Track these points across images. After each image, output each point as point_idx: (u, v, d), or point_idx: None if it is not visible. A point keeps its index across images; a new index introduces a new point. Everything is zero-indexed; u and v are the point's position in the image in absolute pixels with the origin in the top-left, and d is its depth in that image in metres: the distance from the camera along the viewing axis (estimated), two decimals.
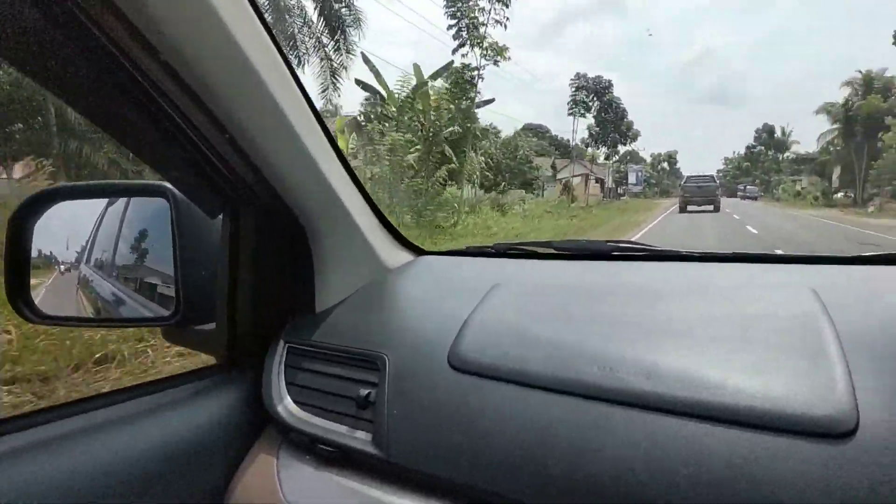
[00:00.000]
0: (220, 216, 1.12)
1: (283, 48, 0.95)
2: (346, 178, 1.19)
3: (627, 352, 0.88)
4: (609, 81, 53.22)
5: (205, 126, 0.90)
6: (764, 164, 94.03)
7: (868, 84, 40.49)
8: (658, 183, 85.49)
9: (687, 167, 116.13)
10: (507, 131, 43.00)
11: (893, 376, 0.76)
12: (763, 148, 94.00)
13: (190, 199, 1.09)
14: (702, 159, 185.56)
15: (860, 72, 42.10)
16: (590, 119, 51.71)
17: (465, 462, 0.87)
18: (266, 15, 1.09)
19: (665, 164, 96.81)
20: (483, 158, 27.49)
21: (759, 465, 0.71)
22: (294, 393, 1.12)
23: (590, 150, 50.13)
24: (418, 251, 1.53)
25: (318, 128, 1.06)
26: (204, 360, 1.28)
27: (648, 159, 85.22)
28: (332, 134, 1.12)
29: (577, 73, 52.39)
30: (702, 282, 1.17)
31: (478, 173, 26.68)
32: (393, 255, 1.41)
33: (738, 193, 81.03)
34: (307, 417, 1.08)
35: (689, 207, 29.99)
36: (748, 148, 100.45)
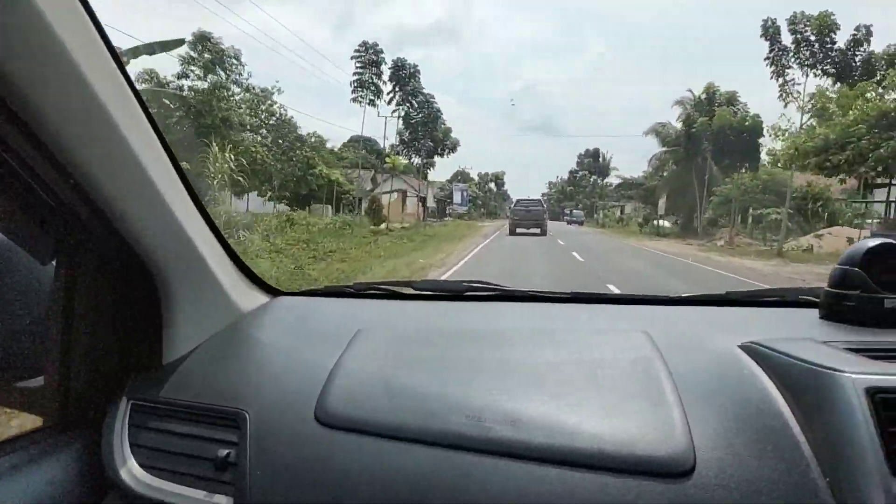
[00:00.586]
0: (54, 261, 1.02)
1: (124, 66, 0.87)
2: (195, 212, 1.11)
3: (491, 399, 0.92)
4: (415, 66, 43.45)
5: (32, 158, 0.82)
6: (585, 188, 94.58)
7: (710, 96, 36.24)
8: (485, 204, 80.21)
9: (514, 189, 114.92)
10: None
11: (722, 417, 0.86)
12: (587, 172, 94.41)
13: (14, 242, 1.00)
14: (528, 182, 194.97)
15: (691, 91, 38.17)
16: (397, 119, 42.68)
17: None
18: None
19: (493, 185, 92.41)
20: (234, 157, 22.45)
21: None
22: (140, 456, 1.04)
23: (402, 159, 40.83)
24: (274, 291, 1.48)
25: (165, 156, 1.00)
26: (31, 421, 1.13)
27: (476, 178, 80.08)
28: (177, 158, 1.04)
29: (364, 43, 40.42)
30: (549, 323, 1.29)
31: (226, 176, 21.73)
32: (246, 296, 1.34)
33: (565, 217, 78.86)
34: (157, 483, 1.00)
35: (518, 230, 31.05)
36: (571, 173, 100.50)
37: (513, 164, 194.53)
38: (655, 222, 43.86)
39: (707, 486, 0.77)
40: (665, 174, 44.08)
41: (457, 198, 60.18)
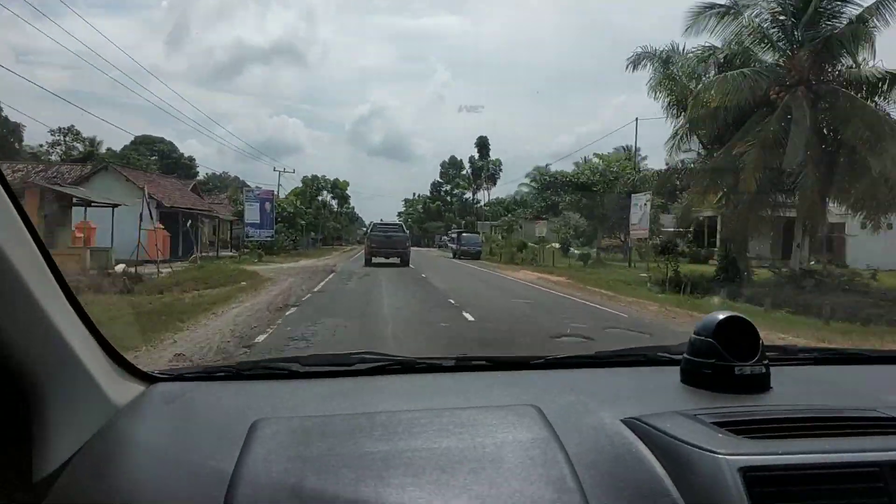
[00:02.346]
0: None
1: None
2: (60, 294, 1.03)
3: (404, 496, 0.91)
4: None
5: None
6: (453, 204, 75.83)
7: None
8: (314, 226, 55.44)
9: (366, 213, 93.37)
10: None
11: (618, 497, 0.91)
12: (459, 183, 76.06)
13: None
14: (381, 205, 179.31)
15: None
16: None
17: None
18: None
19: (328, 197, 65.60)
20: None
21: None
22: None
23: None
24: (148, 378, 1.36)
25: (28, 235, 0.93)
26: None
27: (301, 185, 53.59)
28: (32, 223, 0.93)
29: None
30: (442, 400, 1.31)
31: None
32: (120, 387, 1.21)
33: (444, 244, 55.96)
34: None
35: (376, 259, 26.91)
36: (435, 185, 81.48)
37: (364, 187, 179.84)
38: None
39: None
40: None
41: (252, 215, 34.48)
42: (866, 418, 1.13)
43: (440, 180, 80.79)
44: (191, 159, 60.76)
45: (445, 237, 62.87)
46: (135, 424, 1.15)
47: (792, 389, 1.37)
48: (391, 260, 26.81)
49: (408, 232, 31.58)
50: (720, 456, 0.94)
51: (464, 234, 45.18)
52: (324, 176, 53.20)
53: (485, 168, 70.40)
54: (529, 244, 38.05)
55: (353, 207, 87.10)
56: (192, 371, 1.49)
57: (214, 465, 0.98)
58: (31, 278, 0.90)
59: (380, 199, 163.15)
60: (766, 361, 1.33)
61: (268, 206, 35.12)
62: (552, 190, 37.57)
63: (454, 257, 41.54)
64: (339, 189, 63.74)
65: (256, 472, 0.96)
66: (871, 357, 1.81)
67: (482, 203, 74.28)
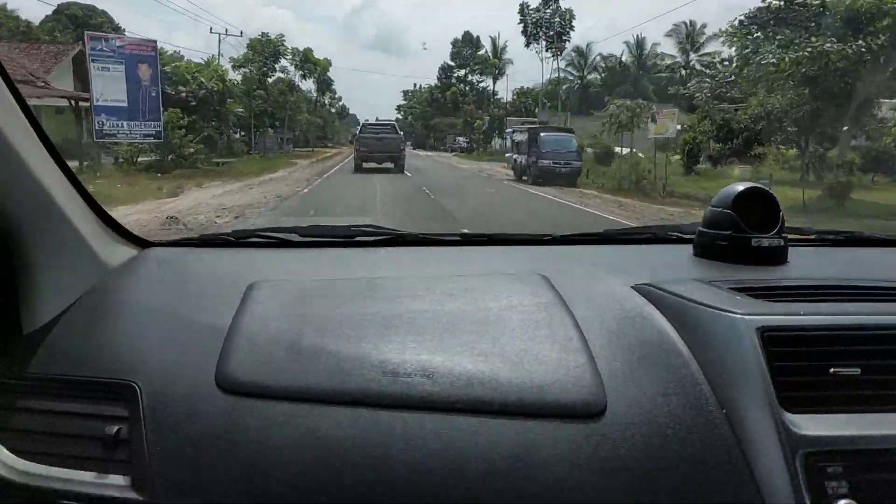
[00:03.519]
0: None
1: None
2: (47, 157, 1.03)
3: (407, 353, 0.91)
4: None
5: None
6: (470, 95, 57.91)
7: None
8: (284, 119, 36.87)
9: (360, 113, 75.05)
10: None
11: (627, 357, 0.90)
12: (472, 67, 57.73)
13: None
14: (377, 107, 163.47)
15: None
16: None
17: (247, 494, 0.81)
18: None
19: (294, 74, 41.36)
20: None
21: (534, 449, 0.80)
22: (9, 440, 0.92)
23: None
24: (142, 242, 1.36)
25: (9, 95, 0.92)
26: None
27: (245, 48, 31.70)
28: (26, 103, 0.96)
29: None
30: (446, 268, 1.30)
31: None
32: (112, 250, 1.23)
33: (514, 157, 26.18)
34: (34, 468, 0.89)
35: (367, 164, 23.44)
36: (444, 70, 62.87)
37: (358, 88, 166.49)
38: None
39: (619, 424, 0.82)
40: None
41: (107, 91, 16.09)
42: (889, 287, 1.08)
43: (451, 63, 62.23)
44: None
45: (459, 140, 43.81)
46: (128, 284, 1.15)
47: (811, 264, 1.33)
48: (384, 165, 23.55)
49: (402, 133, 27.17)
50: (737, 315, 0.92)
51: (544, 135, 21.22)
52: (281, 37, 32.60)
53: (548, 20, 44.40)
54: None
55: (341, 99, 68.44)
56: (187, 239, 1.47)
57: (211, 322, 0.98)
58: (8, 129, 0.89)
59: (376, 96, 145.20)
60: (784, 234, 1.28)
61: (145, 72, 17.19)
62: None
63: (519, 180, 21.52)
64: (312, 64, 40.54)
65: (254, 328, 0.96)
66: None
67: (505, 97, 55.99)
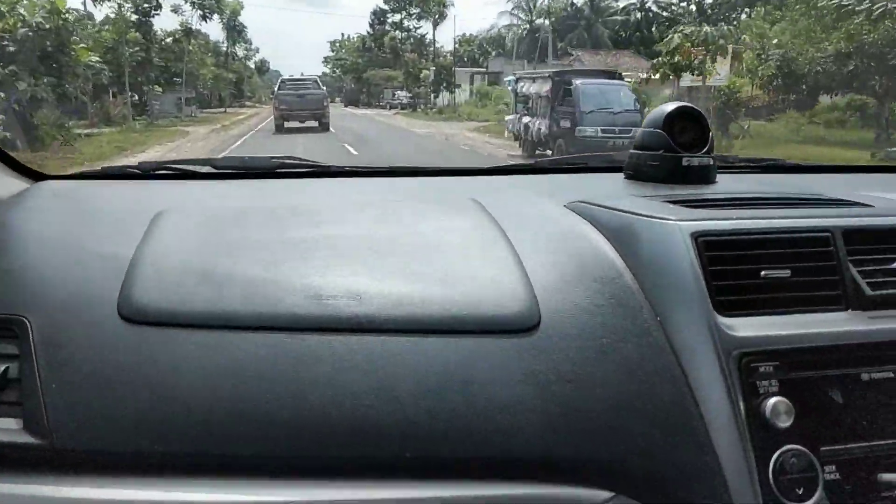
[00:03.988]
0: None
1: None
2: None
3: (331, 276, 0.88)
4: None
5: None
6: (405, 45, 50.65)
7: None
8: (211, 87, 28.55)
9: (286, 69, 67.28)
10: None
11: (560, 272, 0.90)
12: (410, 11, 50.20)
13: None
14: (301, 64, 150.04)
15: None
16: None
17: (157, 430, 0.77)
18: None
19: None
20: None
21: (467, 366, 0.79)
22: None
23: None
24: (35, 175, 1.29)
25: None
26: None
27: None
28: None
29: None
30: (375, 198, 1.27)
31: None
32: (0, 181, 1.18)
33: (521, 117, 16.57)
34: None
35: (288, 124, 21.58)
36: (377, 15, 54.80)
37: (280, 43, 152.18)
38: None
39: (553, 336, 0.82)
40: None
41: None
42: (816, 198, 1.12)
43: (384, 6, 54.48)
44: None
45: (399, 95, 34.49)
46: (16, 216, 1.10)
47: (739, 186, 1.33)
48: (307, 124, 21.57)
49: (325, 88, 24.86)
50: (671, 221, 0.92)
51: (583, 83, 12.74)
52: None
53: None
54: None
55: (258, 51, 59.33)
56: (86, 171, 1.34)
57: (111, 251, 0.93)
58: None
59: (301, 49, 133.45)
60: (714, 155, 1.30)
61: None
62: None
63: (532, 158, 11.90)
64: (215, 2, 30.08)
65: (161, 256, 0.92)
66: (820, 167, 1.85)
67: (450, 45, 49.06)
